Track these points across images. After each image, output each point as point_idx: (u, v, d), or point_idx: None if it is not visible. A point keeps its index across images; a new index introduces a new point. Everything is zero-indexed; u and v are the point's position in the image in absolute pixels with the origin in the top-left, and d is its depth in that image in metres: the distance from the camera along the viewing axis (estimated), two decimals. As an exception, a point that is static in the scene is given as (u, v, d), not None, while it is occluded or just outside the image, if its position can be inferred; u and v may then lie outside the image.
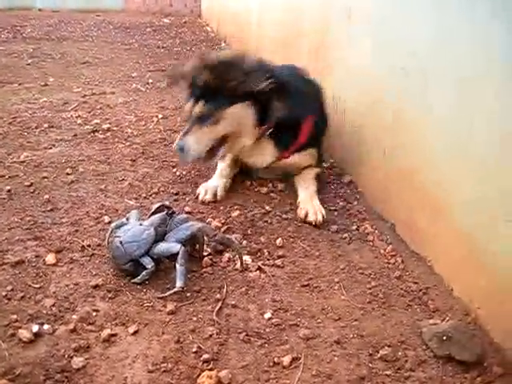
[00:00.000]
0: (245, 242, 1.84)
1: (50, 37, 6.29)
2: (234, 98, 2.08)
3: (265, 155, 2.26)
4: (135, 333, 1.38)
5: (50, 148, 2.62)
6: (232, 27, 5.94)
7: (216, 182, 2.20)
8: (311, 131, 2.26)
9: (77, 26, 7.33)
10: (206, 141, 2.08)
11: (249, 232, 1.91)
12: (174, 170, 2.42)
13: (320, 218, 2.01)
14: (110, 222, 1.88)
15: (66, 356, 1.29)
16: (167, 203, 1.86)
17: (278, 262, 1.74)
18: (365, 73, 2.26)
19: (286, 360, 1.32)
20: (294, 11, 3.46)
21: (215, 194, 2.13)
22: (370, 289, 1.65)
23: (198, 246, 1.71)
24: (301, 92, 2.29)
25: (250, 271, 1.68)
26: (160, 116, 3.19)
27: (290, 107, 2.14)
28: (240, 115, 2.11)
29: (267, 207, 2.11)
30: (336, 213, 2.13)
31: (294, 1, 3.48)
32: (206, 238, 1.69)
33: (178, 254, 1.51)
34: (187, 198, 2.14)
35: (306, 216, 2.02)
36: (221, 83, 2.06)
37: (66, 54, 5.21)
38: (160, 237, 1.61)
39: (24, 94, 3.62)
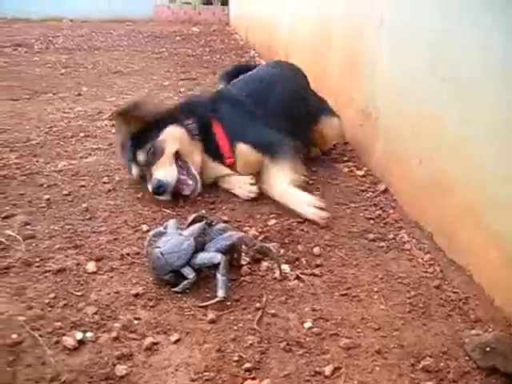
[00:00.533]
0: (282, 251, 1.84)
1: (81, 47, 6.40)
2: (160, 126, 2.26)
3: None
4: (177, 341, 1.39)
5: (87, 157, 2.66)
6: (261, 35, 5.97)
7: None
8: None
9: (107, 36, 7.44)
10: (170, 168, 2.19)
11: (286, 241, 1.91)
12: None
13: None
14: (148, 231, 1.90)
15: (110, 363, 1.30)
16: (203, 212, 1.88)
17: (316, 271, 1.74)
18: (399, 80, 2.25)
19: (328, 370, 1.32)
20: (325, 19, 3.47)
21: None
22: (409, 298, 1.64)
23: (236, 255, 1.71)
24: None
25: (289, 280, 1.68)
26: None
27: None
28: (174, 134, 2.25)
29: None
30: (372, 221, 2.12)
31: (326, 9, 3.48)
32: (244, 246, 1.70)
33: (219, 263, 1.52)
34: (223, 207, 2.15)
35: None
36: (140, 124, 2.25)
37: (98, 63, 5.29)
38: (200, 247, 1.62)
39: (59, 104, 3.69)
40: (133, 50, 6.21)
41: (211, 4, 11.13)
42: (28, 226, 1.96)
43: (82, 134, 2.99)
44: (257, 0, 6.51)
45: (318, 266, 1.78)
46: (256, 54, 6.06)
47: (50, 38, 7.00)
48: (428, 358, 1.38)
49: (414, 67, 2.12)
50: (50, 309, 1.50)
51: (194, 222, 1.77)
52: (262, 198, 2.25)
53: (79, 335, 1.38)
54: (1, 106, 3.53)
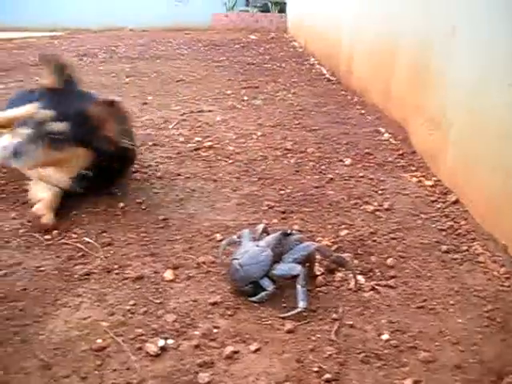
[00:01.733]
0: (356, 262, 1.84)
1: (143, 56, 6.53)
2: None
3: None
4: (256, 350, 1.40)
5: (157, 165, 2.72)
6: (321, 43, 5.97)
7: None
8: None
9: (167, 45, 7.57)
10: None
11: (359, 251, 1.91)
12: (279, 187, 2.46)
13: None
14: (221, 240, 1.93)
15: (192, 371, 1.33)
16: (275, 221, 1.90)
17: (391, 282, 1.73)
18: (472, 89, 2.22)
19: (407, 383, 1.31)
20: (390, 27, 3.45)
21: None
22: (486, 312, 1.61)
23: (309, 265, 1.72)
24: None
25: (364, 291, 1.68)
26: (259, 133, 3.25)
27: None
28: None
29: (374, 226, 2.10)
30: (444, 232, 2.09)
31: (391, 18, 3.46)
32: (318, 256, 1.71)
33: (298, 274, 1.54)
34: (294, 217, 2.16)
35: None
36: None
37: (160, 72, 5.39)
38: (277, 257, 1.64)
39: (126, 113, 3.78)
40: (193, 59, 6.30)
41: (268, 11, 11.17)
42: (105, 234, 2.02)
43: (150, 143, 3.06)
44: (315, 7, 6.52)
45: (392, 277, 1.77)
46: (316, 62, 6.06)
47: (113, 48, 7.17)
48: (511, 375, 1.35)
49: (488, 76, 2.09)
50: (130, 315, 1.55)
51: (263, 231, 1.79)
52: (333, 208, 2.26)
53: (161, 342, 1.42)
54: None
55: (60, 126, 2.14)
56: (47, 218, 2.07)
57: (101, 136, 2.17)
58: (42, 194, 2.21)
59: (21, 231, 2.04)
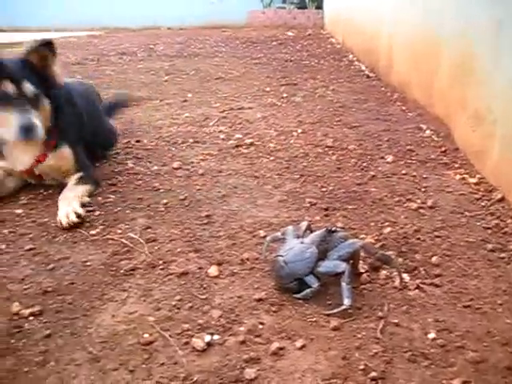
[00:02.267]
0: (400, 260, 1.82)
1: (181, 54, 6.58)
2: None
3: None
4: (302, 347, 1.40)
5: (199, 162, 2.74)
6: (359, 39, 5.91)
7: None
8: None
9: (205, 43, 7.61)
10: None
11: (403, 249, 1.89)
12: (321, 184, 2.46)
13: (73, 219, 2.08)
14: (264, 236, 1.93)
15: (238, 367, 1.34)
16: (317, 218, 1.89)
17: (436, 280, 1.71)
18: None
19: (456, 383, 1.30)
20: (432, 22, 3.40)
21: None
22: (536, 313, 1.58)
23: (354, 262, 1.71)
24: None
25: (409, 289, 1.66)
26: (299, 130, 3.24)
27: None
28: None
29: (418, 224, 2.08)
30: (489, 231, 2.05)
31: (433, 11, 3.41)
32: (363, 254, 1.70)
33: (342, 272, 1.53)
34: (337, 214, 2.16)
35: (61, 223, 2.08)
36: None
37: (199, 69, 5.42)
38: (321, 254, 1.63)
39: (166, 110, 3.82)
40: (231, 56, 6.32)
41: (305, 8, 11.12)
42: (149, 230, 2.05)
43: (191, 140, 3.08)
44: (352, 3, 6.46)
45: (437, 275, 1.74)
46: (354, 58, 6.01)
47: (151, 46, 7.24)
48: None
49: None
50: (176, 310, 1.56)
51: (307, 229, 1.79)
52: (376, 205, 2.24)
53: (207, 338, 1.43)
54: (113, 113, 3.70)
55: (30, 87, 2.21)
56: None
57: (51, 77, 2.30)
58: None
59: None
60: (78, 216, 2.09)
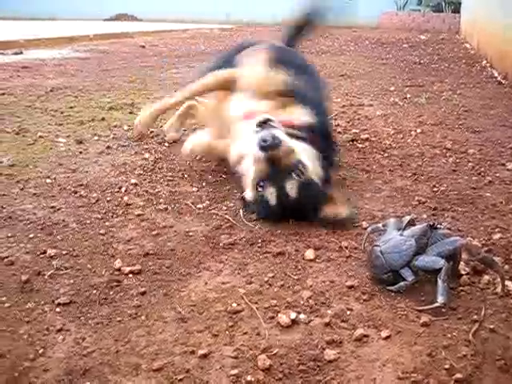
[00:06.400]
0: (506, 267, 1.72)
1: (309, 50, 6.61)
2: None
3: None
4: (387, 338, 1.37)
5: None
6: (494, 44, 5.64)
7: None
8: None
9: (334, 41, 7.62)
10: None
11: (511, 257, 1.79)
12: (433, 184, 2.39)
13: None
14: (366, 228, 1.90)
15: (319, 347, 1.33)
16: (424, 216, 1.83)
17: (545, 292, 1.61)
18: None
19: (553, 401, 1.21)
20: None
21: None
22: None
23: (454, 262, 1.64)
24: None
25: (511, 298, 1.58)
26: (418, 130, 3.17)
27: None
28: None
29: (533, 233, 1.96)
30: None
31: None
32: (466, 255, 1.62)
33: (440, 268, 1.48)
34: (446, 214, 2.08)
35: None
36: None
37: (324, 66, 5.44)
38: (420, 249, 1.58)
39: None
40: (358, 55, 6.28)
41: (441, 11, 10.77)
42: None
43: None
44: (491, 7, 6.17)
45: (546, 288, 1.64)
46: (487, 64, 5.75)
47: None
48: None
49: None
50: (267, 286, 1.58)
51: (410, 223, 1.73)
52: (488, 210, 2.14)
53: (293, 315, 1.44)
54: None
55: None
56: None
57: None
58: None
59: (175, 198, 2.19)
60: None
